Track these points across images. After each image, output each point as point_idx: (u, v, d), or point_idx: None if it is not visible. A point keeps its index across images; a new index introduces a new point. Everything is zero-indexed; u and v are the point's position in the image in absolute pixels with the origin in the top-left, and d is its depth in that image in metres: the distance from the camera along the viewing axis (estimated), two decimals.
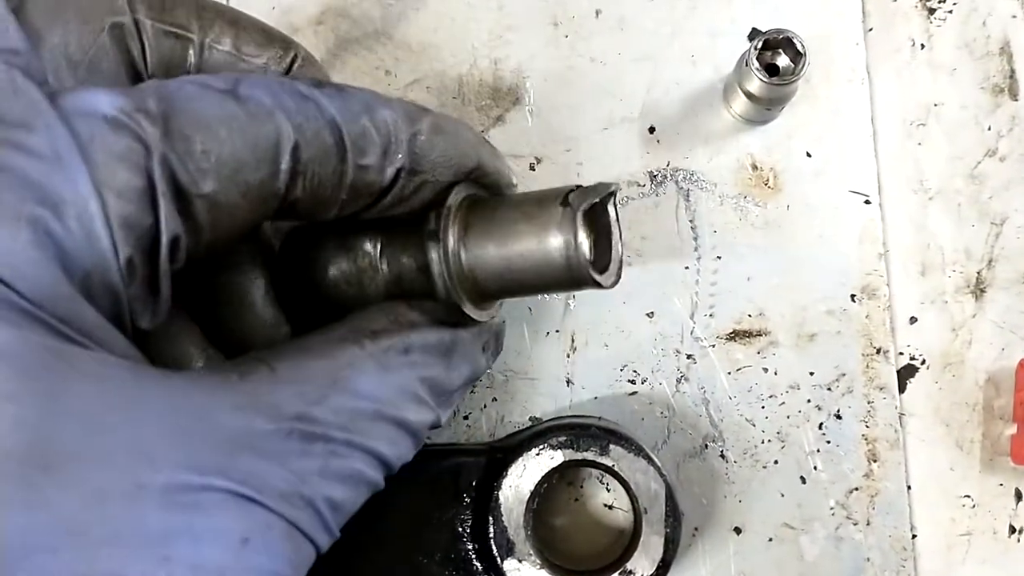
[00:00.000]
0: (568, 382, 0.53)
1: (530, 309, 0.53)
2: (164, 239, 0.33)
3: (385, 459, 0.40)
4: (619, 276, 0.41)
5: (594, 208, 0.40)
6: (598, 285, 0.39)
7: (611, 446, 0.47)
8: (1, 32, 0.35)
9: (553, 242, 0.38)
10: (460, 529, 0.47)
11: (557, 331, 0.53)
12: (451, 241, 0.40)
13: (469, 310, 0.41)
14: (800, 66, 0.49)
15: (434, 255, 0.40)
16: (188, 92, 0.35)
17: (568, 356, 0.53)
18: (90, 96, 0.33)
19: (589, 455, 0.47)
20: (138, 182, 0.32)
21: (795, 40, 0.48)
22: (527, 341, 0.53)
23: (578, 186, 0.40)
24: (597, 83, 0.54)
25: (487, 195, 0.43)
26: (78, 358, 0.32)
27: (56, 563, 0.29)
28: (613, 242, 0.41)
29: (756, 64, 0.49)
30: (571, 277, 0.39)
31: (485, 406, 0.52)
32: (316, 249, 0.42)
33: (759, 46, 0.49)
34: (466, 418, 0.52)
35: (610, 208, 0.41)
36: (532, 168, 0.54)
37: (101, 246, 0.32)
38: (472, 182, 0.42)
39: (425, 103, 0.48)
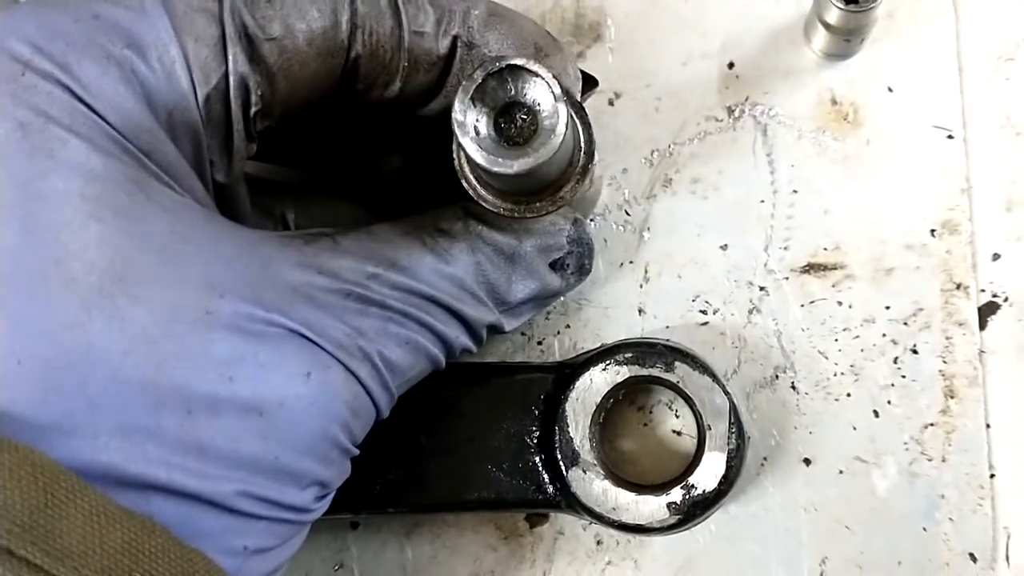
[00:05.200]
0: (640, 311, 0.54)
1: (605, 240, 0.54)
2: (232, 80, 0.36)
3: (443, 336, 0.41)
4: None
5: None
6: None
7: (676, 363, 0.48)
8: None
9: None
10: (527, 440, 0.49)
11: (631, 262, 0.54)
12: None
13: (486, 203, 0.40)
14: None
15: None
16: None
17: (641, 286, 0.54)
18: None
19: (655, 371, 0.48)
20: (214, 31, 0.35)
21: None
22: (601, 271, 0.54)
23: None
24: (677, 19, 0.55)
25: None
26: (158, 191, 0.35)
27: (128, 367, 0.32)
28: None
29: None
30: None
31: (558, 332, 0.54)
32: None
33: None
34: (540, 343, 0.54)
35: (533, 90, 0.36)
36: (611, 103, 0.55)
37: (181, 86, 0.35)
38: None
39: None
